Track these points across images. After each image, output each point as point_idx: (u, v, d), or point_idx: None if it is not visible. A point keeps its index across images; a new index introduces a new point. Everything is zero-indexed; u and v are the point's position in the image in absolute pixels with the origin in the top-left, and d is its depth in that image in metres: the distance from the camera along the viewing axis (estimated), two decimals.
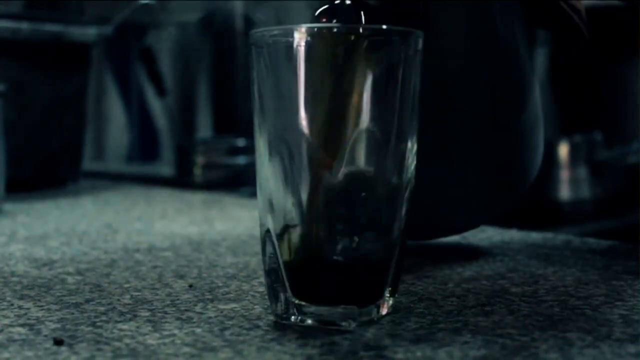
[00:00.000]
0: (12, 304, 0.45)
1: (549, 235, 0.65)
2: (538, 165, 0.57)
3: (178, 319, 0.42)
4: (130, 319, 0.42)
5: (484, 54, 0.51)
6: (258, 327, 0.40)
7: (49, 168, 1.05)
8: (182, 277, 0.52)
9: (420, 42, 0.40)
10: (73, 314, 0.43)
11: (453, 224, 0.57)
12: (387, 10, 0.46)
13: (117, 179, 1.22)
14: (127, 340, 0.38)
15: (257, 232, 0.49)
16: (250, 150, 1.27)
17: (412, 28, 0.40)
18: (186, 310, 0.43)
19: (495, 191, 0.55)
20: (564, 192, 1.37)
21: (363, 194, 0.39)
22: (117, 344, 0.38)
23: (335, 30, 0.40)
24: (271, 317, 0.41)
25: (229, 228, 0.71)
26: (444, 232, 0.59)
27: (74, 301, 0.46)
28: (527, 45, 0.53)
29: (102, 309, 0.44)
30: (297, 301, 0.40)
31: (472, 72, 0.51)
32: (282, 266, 0.40)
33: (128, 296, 0.47)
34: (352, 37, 0.38)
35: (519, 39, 0.52)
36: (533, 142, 0.55)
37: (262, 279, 0.45)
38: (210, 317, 0.42)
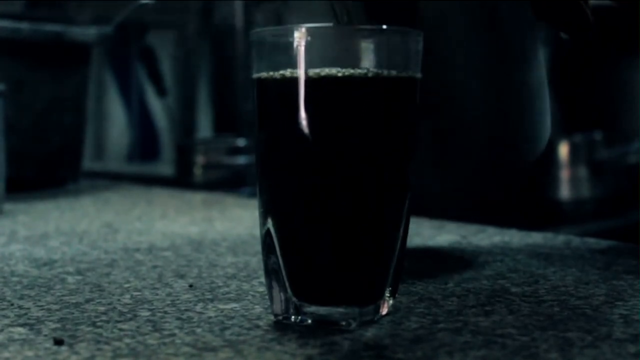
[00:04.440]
0: (12, 304, 0.45)
1: (549, 235, 0.65)
2: (547, 133, 0.56)
3: (178, 318, 0.42)
4: (130, 319, 0.42)
5: (484, 24, 0.51)
6: (258, 327, 0.40)
7: (49, 168, 1.05)
8: (182, 277, 0.52)
9: (421, 42, 0.40)
10: (73, 313, 0.43)
11: (464, 191, 0.56)
12: (387, 7, 0.45)
13: (117, 179, 1.22)
14: (127, 340, 0.38)
15: (257, 232, 0.49)
16: (250, 150, 1.27)
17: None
18: (186, 310, 0.43)
19: (505, 156, 0.54)
20: (564, 191, 1.37)
21: None
22: (117, 343, 0.38)
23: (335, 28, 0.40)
24: (271, 317, 0.41)
25: (229, 228, 0.71)
26: (460, 201, 0.58)
27: (74, 301, 0.46)
28: (531, 17, 0.53)
29: (102, 308, 0.44)
30: (297, 301, 0.40)
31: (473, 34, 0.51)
32: (282, 266, 0.40)
33: (128, 296, 0.47)
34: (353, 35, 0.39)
35: (524, 14, 0.52)
36: (539, 106, 0.54)
37: (262, 279, 0.45)
38: (210, 317, 0.42)
